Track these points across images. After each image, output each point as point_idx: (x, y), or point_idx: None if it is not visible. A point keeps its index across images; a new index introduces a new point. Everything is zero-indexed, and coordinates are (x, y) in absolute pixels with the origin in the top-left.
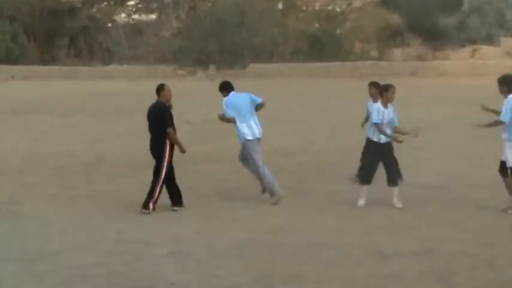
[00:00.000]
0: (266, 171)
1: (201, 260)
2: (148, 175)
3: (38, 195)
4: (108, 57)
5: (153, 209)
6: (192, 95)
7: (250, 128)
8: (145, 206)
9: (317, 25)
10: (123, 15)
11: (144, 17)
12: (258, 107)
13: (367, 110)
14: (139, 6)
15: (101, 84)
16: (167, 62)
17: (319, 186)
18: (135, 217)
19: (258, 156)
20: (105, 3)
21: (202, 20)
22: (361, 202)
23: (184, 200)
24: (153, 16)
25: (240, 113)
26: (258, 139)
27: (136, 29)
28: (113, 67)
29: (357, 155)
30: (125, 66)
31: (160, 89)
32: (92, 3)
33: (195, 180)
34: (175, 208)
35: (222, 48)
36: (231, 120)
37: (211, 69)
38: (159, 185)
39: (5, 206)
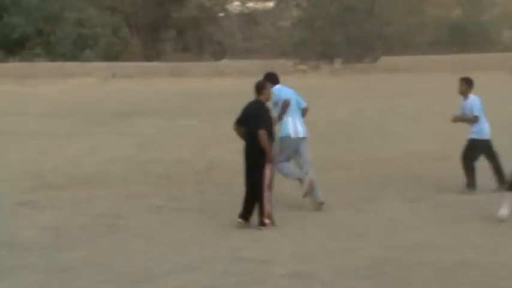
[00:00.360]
0: (283, 165)
1: (327, 282)
2: None
3: (143, 208)
4: (219, 52)
5: (271, 223)
6: (315, 92)
7: (295, 125)
8: (261, 223)
9: (459, 11)
10: (236, 3)
11: (260, 5)
12: (303, 111)
13: (462, 108)
14: None
15: (211, 82)
16: (286, 56)
17: (463, 197)
18: (252, 232)
19: (285, 156)
20: None
21: (327, 7)
22: (504, 212)
23: (308, 211)
24: (270, 4)
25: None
26: (300, 139)
27: (251, 19)
28: (225, 62)
29: (509, 160)
30: (239, 61)
31: (262, 86)
32: None
33: (323, 189)
34: (240, 221)
35: (349, 39)
36: (287, 103)
37: (337, 63)
38: (265, 195)
39: (107, 220)
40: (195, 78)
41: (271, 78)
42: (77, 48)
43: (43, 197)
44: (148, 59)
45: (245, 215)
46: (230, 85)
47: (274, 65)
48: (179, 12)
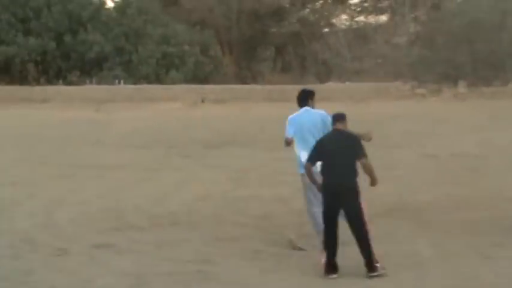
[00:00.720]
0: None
1: None
2: (381, 224)
3: (236, 253)
4: (324, 72)
5: (382, 267)
6: (435, 120)
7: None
8: (371, 268)
9: None
10: (344, 17)
11: (371, 19)
12: None
13: None
14: (366, 5)
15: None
16: (402, 78)
17: None
18: (361, 282)
19: (312, 196)
20: (321, 1)
21: (449, 21)
22: None
23: (431, 257)
24: (383, 18)
25: (301, 134)
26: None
27: (361, 35)
28: (331, 85)
29: None
30: (347, 83)
31: (343, 116)
32: (303, 2)
33: (443, 232)
34: (334, 276)
35: (475, 58)
36: (288, 142)
37: (462, 86)
38: (369, 235)
39: (196, 266)
40: (296, 103)
41: (303, 98)
42: (161, 68)
43: (123, 239)
44: (243, 81)
45: (334, 265)
46: (337, 111)
47: (388, 88)
48: (278, 28)
